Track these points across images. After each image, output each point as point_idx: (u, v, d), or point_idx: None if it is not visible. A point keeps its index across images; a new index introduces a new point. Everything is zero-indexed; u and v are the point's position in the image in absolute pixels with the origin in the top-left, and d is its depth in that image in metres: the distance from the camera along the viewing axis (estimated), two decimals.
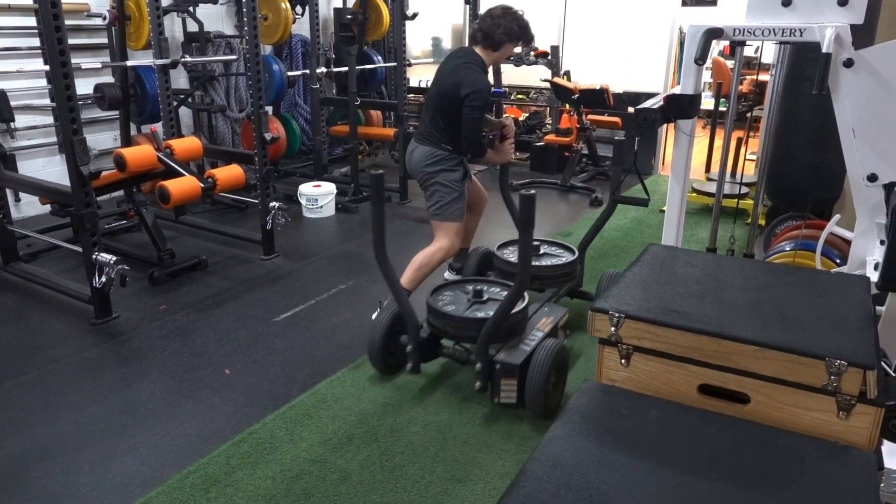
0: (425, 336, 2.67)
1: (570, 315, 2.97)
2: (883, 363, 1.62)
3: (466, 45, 3.26)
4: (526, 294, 2.63)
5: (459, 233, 3.17)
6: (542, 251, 3.30)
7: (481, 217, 3.57)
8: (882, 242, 2.35)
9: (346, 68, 5.43)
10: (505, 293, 2.71)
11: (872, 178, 2.32)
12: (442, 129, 3.07)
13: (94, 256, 3.09)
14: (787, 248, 3.09)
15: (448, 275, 3.72)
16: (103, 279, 3.10)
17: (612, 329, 1.83)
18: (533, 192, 2.19)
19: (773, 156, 3.42)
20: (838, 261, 2.87)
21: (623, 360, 1.84)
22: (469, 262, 3.37)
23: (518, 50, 3.23)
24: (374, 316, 3.28)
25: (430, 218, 3.20)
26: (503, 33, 3.01)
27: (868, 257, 2.41)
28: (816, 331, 1.68)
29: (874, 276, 2.24)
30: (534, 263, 2.97)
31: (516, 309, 2.53)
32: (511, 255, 3.22)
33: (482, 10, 6.16)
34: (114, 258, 3.09)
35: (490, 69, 3.15)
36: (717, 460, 1.42)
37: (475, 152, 3.11)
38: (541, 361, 2.42)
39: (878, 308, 2.05)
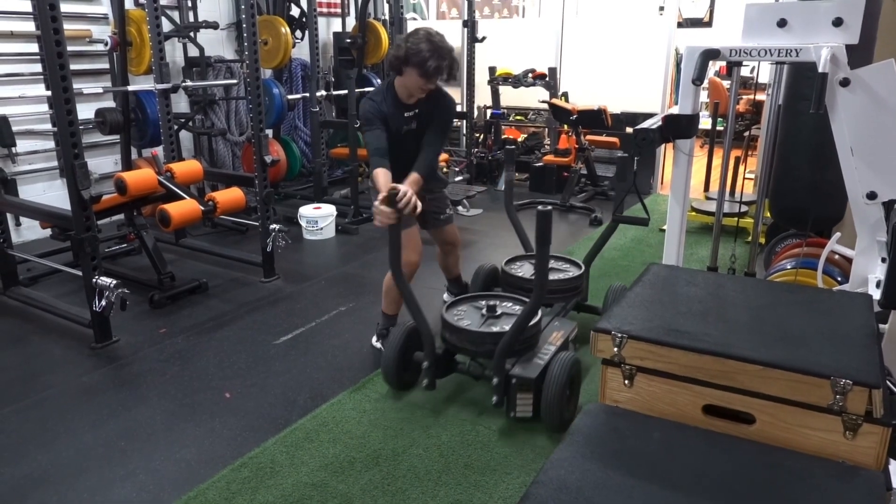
0: (440, 352, 2.69)
1: (578, 329, 2.98)
2: (888, 382, 1.61)
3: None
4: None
5: (408, 244, 2.97)
6: (549, 266, 3.27)
7: (457, 250, 3.48)
8: (883, 260, 2.35)
9: (345, 91, 5.47)
10: (517, 307, 2.78)
11: (872, 196, 2.33)
12: None
13: (94, 280, 3.09)
14: (789, 267, 3.08)
15: (447, 297, 3.71)
16: (103, 303, 3.10)
17: (615, 350, 1.82)
18: (549, 207, 2.18)
19: (775, 174, 3.43)
20: (840, 279, 2.87)
21: (626, 381, 1.83)
22: (476, 278, 3.41)
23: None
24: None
25: None
26: (394, 56, 2.77)
27: (870, 275, 2.41)
28: (820, 349, 1.67)
29: (877, 294, 2.23)
30: None
31: (532, 322, 2.57)
32: (519, 269, 3.26)
33: (479, 33, 6.31)
34: (114, 282, 3.08)
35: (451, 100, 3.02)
36: (722, 482, 1.41)
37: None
38: (556, 375, 2.46)
39: (881, 326, 2.04)
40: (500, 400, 2.52)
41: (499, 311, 2.76)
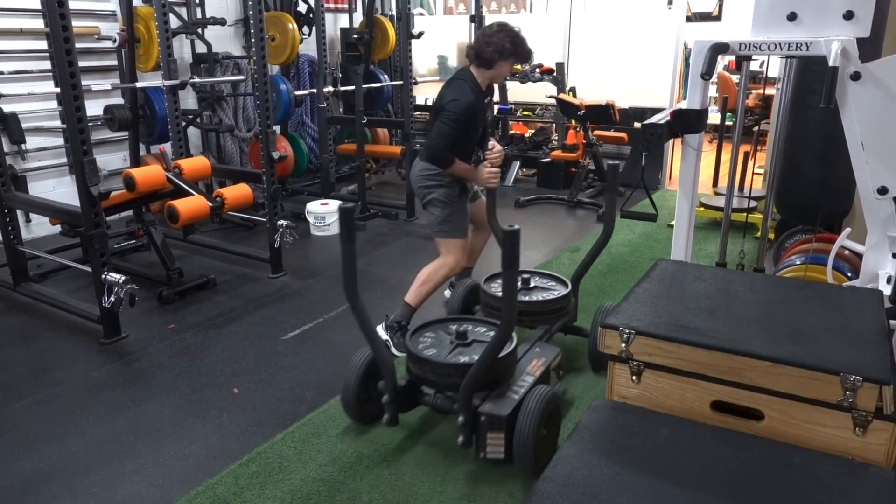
0: (404, 383, 2.40)
1: (562, 355, 2.68)
2: None
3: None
4: (514, 334, 2.35)
5: (463, 249, 3.14)
6: (532, 284, 3.01)
7: (487, 234, 3.50)
8: (894, 256, 2.33)
9: (352, 87, 5.47)
10: (492, 334, 2.41)
11: (882, 190, 2.31)
12: None
13: (103, 276, 3.10)
14: (798, 262, 3.06)
15: (448, 293, 3.68)
16: (112, 299, 3.11)
17: (623, 345, 1.82)
18: (517, 227, 1.87)
19: (782, 170, 3.41)
20: (850, 274, 2.85)
21: (634, 377, 1.83)
22: (454, 296, 3.15)
23: (518, 67, 3.26)
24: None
25: (432, 235, 3.20)
26: (494, 51, 2.95)
27: (880, 271, 2.39)
28: (830, 346, 1.66)
29: (887, 290, 2.22)
30: (523, 298, 2.83)
31: (503, 353, 2.22)
32: (499, 289, 2.88)
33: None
34: (123, 278, 3.10)
35: (495, 87, 3.15)
36: (731, 479, 1.40)
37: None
38: (530, 412, 2.14)
39: (891, 322, 2.03)
40: (466, 440, 2.23)
41: (469, 339, 2.43)
